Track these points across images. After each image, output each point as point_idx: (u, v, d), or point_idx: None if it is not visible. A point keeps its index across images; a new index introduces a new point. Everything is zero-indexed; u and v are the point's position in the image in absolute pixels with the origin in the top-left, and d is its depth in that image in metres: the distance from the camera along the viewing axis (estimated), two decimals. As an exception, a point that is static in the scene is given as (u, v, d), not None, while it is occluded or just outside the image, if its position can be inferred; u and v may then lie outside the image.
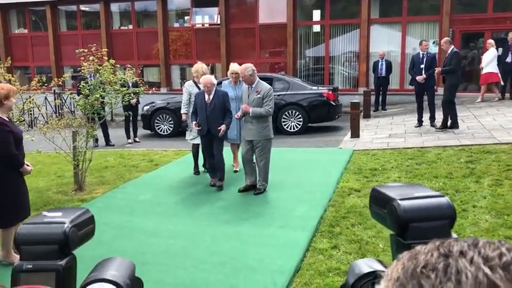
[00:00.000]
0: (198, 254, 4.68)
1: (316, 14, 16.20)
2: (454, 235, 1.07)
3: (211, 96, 6.52)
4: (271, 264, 4.38)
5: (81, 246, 1.10)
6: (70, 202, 6.44)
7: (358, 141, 9.55)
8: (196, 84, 7.30)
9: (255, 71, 6.23)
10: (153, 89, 10.48)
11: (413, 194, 1.07)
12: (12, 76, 7.87)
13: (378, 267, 1.03)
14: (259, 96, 6.17)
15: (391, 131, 10.42)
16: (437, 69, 9.93)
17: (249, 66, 6.22)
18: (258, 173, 6.44)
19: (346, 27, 15.49)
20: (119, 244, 5.01)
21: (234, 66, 7.28)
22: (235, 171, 7.50)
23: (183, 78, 17.48)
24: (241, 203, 6.15)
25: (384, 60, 13.69)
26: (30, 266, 0.93)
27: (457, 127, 9.66)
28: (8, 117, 4.54)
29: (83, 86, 6.85)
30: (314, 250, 4.67)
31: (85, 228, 1.10)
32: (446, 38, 10.20)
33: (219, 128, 6.41)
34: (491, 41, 12.54)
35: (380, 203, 1.15)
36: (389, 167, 7.37)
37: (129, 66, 10.89)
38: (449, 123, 9.72)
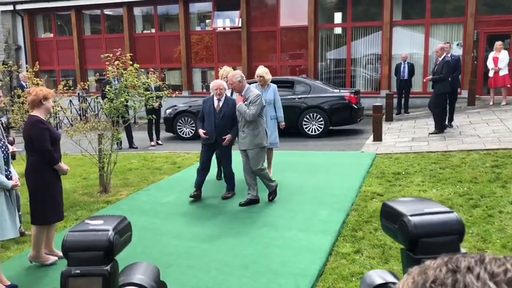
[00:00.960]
0: (221, 257, 4.72)
1: (338, 17, 16.14)
2: (463, 250, 1.10)
3: (221, 103, 6.30)
4: (294, 268, 4.39)
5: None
6: (95, 204, 6.56)
7: (381, 145, 9.48)
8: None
9: (244, 78, 6.11)
10: (176, 92, 10.59)
11: (424, 210, 1.10)
12: (40, 80, 8.08)
13: (390, 279, 1.05)
14: (246, 102, 6.00)
15: (414, 135, 10.31)
16: (427, 78, 10.27)
17: (237, 73, 6.15)
18: (262, 181, 6.24)
19: (367, 29, 15.40)
20: (144, 246, 5.08)
21: (259, 70, 7.28)
22: None
23: (204, 82, 17.63)
24: (263, 206, 6.17)
25: (406, 62, 13.55)
26: (78, 271, 0.98)
27: (443, 131, 10.01)
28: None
29: (108, 90, 6.97)
30: (337, 254, 4.66)
31: (125, 235, 1.15)
32: (440, 45, 10.26)
33: (223, 137, 6.23)
34: (500, 43, 12.32)
35: (391, 218, 1.18)
36: (412, 171, 7.30)
37: (152, 70, 11.10)
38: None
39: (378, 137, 9.81)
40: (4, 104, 6.91)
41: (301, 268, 4.38)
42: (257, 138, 6.02)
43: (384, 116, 11.57)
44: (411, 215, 1.07)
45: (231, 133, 6.25)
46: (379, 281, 1.04)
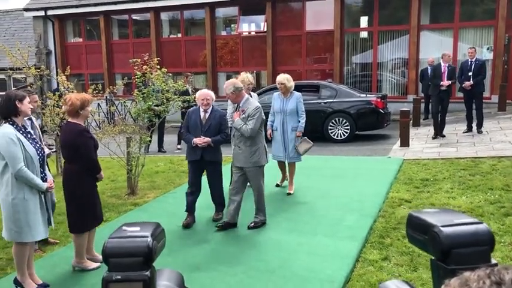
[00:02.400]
0: (247, 261, 4.73)
1: (364, 21, 16.02)
2: (494, 260, 1.09)
3: (207, 115, 5.74)
4: (320, 274, 4.37)
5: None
6: (123, 206, 6.66)
7: (408, 151, 9.35)
8: None
9: (240, 89, 5.46)
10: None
11: (453, 221, 1.10)
12: (71, 84, 8.28)
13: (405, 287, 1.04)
14: (243, 116, 5.36)
15: (442, 140, 10.14)
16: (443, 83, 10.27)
17: (230, 84, 5.51)
18: (255, 204, 5.64)
19: (394, 33, 15.23)
20: (170, 249, 5.11)
21: (279, 77, 6.83)
22: (289, 194, 6.81)
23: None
24: (288, 211, 6.15)
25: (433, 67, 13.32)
26: (119, 277, 1.00)
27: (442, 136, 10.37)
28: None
29: (137, 94, 7.08)
30: (364, 261, 4.61)
31: (161, 241, 1.17)
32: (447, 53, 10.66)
33: (203, 140, 5.59)
34: None
35: (419, 229, 1.19)
36: (441, 178, 7.17)
37: (189, 74, 11.30)
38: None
39: (405, 143, 9.68)
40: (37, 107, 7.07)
41: (327, 274, 4.34)
42: (254, 156, 5.40)
43: (411, 121, 11.40)
44: (442, 226, 1.06)
45: (213, 139, 5.61)
46: None
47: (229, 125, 5.89)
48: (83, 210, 4.49)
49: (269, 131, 6.88)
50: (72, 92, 8.23)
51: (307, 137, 6.92)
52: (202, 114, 5.78)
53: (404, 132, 9.72)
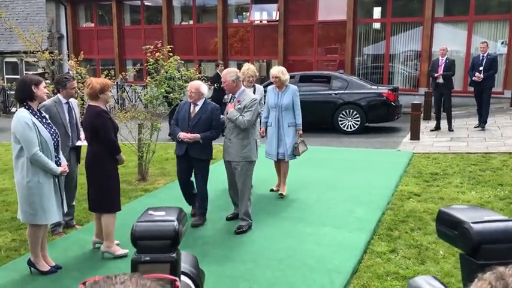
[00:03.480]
0: (256, 250, 4.78)
1: (377, 11, 15.88)
2: None
3: (197, 108, 5.36)
4: (328, 264, 4.41)
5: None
6: (134, 191, 6.74)
7: (418, 144, 9.32)
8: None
9: (240, 78, 5.28)
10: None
11: (483, 218, 1.15)
12: (83, 69, 8.32)
13: (438, 285, 1.08)
14: (239, 106, 5.09)
15: (453, 135, 10.10)
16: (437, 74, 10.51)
17: (232, 71, 5.28)
18: (239, 207, 5.35)
19: (407, 25, 15.09)
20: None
21: (273, 69, 6.37)
22: (280, 195, 6.38)
23: (240, 74, 17.70)
24: (297, 202, 6.19)
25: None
26: (148, 258, 1.05)
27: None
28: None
29: (149, 80, 7.12)
30: (372, 253, 4.65)
31: (185, 225, 1.22)
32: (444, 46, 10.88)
33: (189, 136, 5.23)
34: None
35: (450, 224, 1.24)
36: (450, 172, 7.16)
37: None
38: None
39: (415, 136, 9.65)
40: (48, 91, 7.14)
41: (335, 264, 4.39)
42: (245, 150, 5.14)
43: (422, 115, 11.34)
44: (473, 222, 1.11)
45: (202, 134, 5.22)
46: (426, 287, 1.08)
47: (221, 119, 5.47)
48: (109, 190, 4.53)
49: (262, 129, 6.37)
50: (85, 77, 8.30)
51: (304, 140, 6.47)
52: (192, 107, 5.41)
53: (415, 126, 9.69)
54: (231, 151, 5.20)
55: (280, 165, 6.42)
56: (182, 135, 5.27)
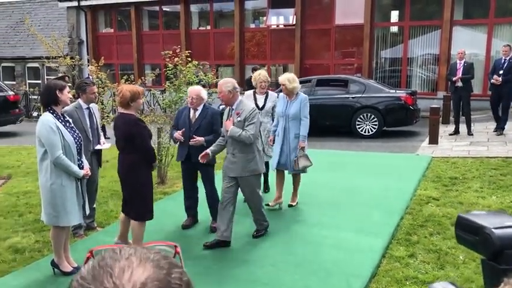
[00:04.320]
0: (274, 253, 4.81)
1: (394, 15, 15.81)
2: None
3: (197, 114, 5.32)
4: (346, 268, 4.41)
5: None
6: (153, 194, 6.79)
7: (437, 148, 9.24)
8: (254, 95, 6.31)
9: (237, 90, 4.92)
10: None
11: (504, 223, 1.17)
12: (104, 73, 8.47)
13: None
14: (239, 119, 4.82)
15: (472, 139, 9.98)
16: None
17: (229, 81, 4.94)
18: (252, 215, 5.23)
19: (425, 28, 14.98)
20: (199, 239, 5.25)
21: (281, 77, 5.99)
22: (290, 205, 6.18)
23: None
24: (315, 206, 6.19)
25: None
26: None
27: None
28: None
29: (168, 85, 7.21)
30: (390, 257, 4.63)
31: None
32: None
33: (200, 139, 5.17)
34: None
35: (470, 230, 1.25)
36: (470, 177, 7.09)
37: (206, 63, 11.44)
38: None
39: (434, 140, 9.57)
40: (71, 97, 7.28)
41: (353, 269, 4.39)
42: (251, 164, 4.89)
43: (441, 119, 11.24)
44: (494, 228, 1.12)
45: (211, 149, 5.02)
46: None
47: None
48: (143, 198, 4.51)
49: (271, 138, 6.12)
50: (105, 81, 8.44)
51: (308, 155, 5.99)
52: (191, 113, 5.36)
53: (434, 130, 9.61)
54: (236, 167, 4.88)
55: (292, 177, 6.11)
56: (178, 135, 5.24)
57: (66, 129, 4.15)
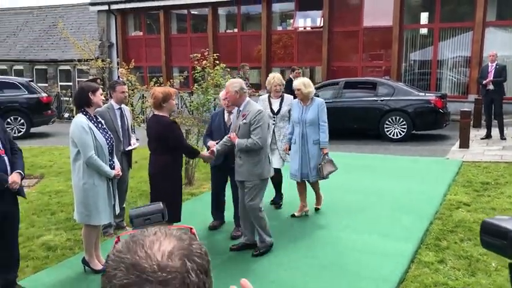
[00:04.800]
0: (299, 256, 4.79)
1: (424, 17, 15.56)
2: None
3: (232, 116, 5.16)
4: (374, 272, 4.36)
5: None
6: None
7: (468, 152, 9.04)
8: (269, 99, 6.09)
9: (245, 90, 4.72)
10: (259, 91, 10.86)
11: None
12: (134, 76, 8.62)
13: None
14: (245, 121, 4.63)
15: (505, 143, 9.73)
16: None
17: (236, 81, 4.82)
18: (252, 226, 4.93)
19: (456, 30, 14.68)
20: (228, 238, 5.28)
21: (295, 82, 5.77)
22: (317, 209, 6.05)
23: (283, 81, 17.75)
24: (342, 209, 6.14)
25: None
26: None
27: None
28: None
29: (196, 87, 7.29)
30: (419, 262, 4.56)
31: None
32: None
33: (210, 151, 4.91)
34: None
35: (497, 234, 1.26)
36: (503, 182, 6.91)
37: (247, 65, 11.59)
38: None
39: (464, 144, 9.37)
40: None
41: (381, 273, 4.33)
42: (257, 167, 4.70)
43: (472, 122, 11.00)
44: None
45: (214, 148, 4.86)
46: None
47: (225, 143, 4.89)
48: (172, 200, 4.45)
49: (286, 146, 5.91)
50: (135, 84, 8.60)
51: (333, 160, 5.75)
52: (226, 116, 5.26)
53: (465, 134, 9.41)
54: (243, 170, 4.73)
55: (311, 185, 5.89)
56: (211, 145, 5.01)
57: (99, 130, 4.24)
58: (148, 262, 0.81)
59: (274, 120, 5.98)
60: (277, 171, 6.01)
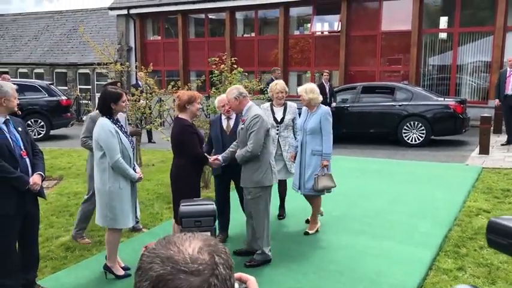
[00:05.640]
0: (316, 261, 4.76)
1: (443, 21, 15.40)
2: None
3: (231, 123, 5.04)
4: (391, 278, 4.31)
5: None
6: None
7: (488, 159, 8.90)
8: (272, 107, 5.82)
9: (244, 95, 4.58)
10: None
11: None
12: (151, 80, 8.72)
13: None
14: (242, 126, 4.54)
15: (526, 149, 9.56)
16: None
17: (234, 88, 4.69)
18: (252, 235, 4.79)
19: (476, 34, 14.50)
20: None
21: (299, 88, 5.48)
22: (306, 233, 5.49)
23: (300, 85, 17.73)
24: (359, 215, 6.09)
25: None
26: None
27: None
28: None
29: (214, 91, 7.33)
30: (438, 269, 4.49)
31: None
32: None
33: (212, 159, 4.74)
34: None
35: (504, 234, 1.27)
36: (524, 189, 6.78)
37: (278, 69, 11.68)
38: None
39: (484, 150, 9.23)
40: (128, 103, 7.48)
41: (398, 279, 4.29)
42: (256, 174, 4.53)
43: (492, 128, 10.82)
44: None
45: (220, 156, 4.77)
46: None
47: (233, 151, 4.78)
48: None
49: (292, 154, 5.67)
50: (153, 87, 8.68)
51: (332, 175, 5.32)
52: (224, 123, 5.09)
53: (485, 139, 9.27)
54: (243, 176, 4.63)
55: (307, 199, 5.52)
56: (212, 160, 4.73)
57: (122, 133, 4.26)
58: (181, 255, 0.90)
59: (278, 130, 5.72)
60: (283, 183, 5.89)
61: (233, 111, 4.96)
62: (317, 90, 5.35)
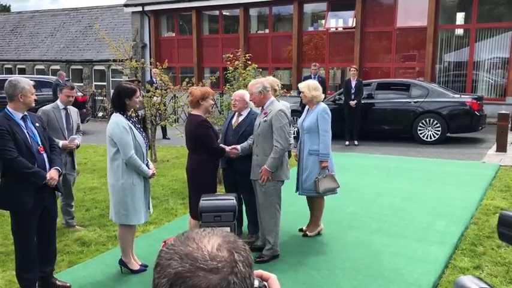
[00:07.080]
0: (332, 258, 4.75)
1: (460, 17, 15.20)
2: None
3: (240, 119, 5.04)
4: (406, 276, 4.28)
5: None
6: (211, 195, 6.94)
7: (505, 156, 8.78)
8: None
9: (268, 89, 4.60)
10: (290, 92, 10.84)
11: None
12: (166, 76, 8.75)
13: (483, 285, 1.09)
14: (265, 119, 4.52)
15: (545, 147, 9.40)
16: None
17: (258, 81, 4.69)
18: (260, 230, 4.83)
19: (494, 30, 14.28)
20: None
21: (300, 84, 5.36)
22: (304, 235, 5.34)
23: (314, 82, 17.65)
24: (375, 212, 6.05)
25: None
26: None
27: None
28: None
29: (228, 87, 7.33)
30: (454, 268, 4.45)
31: None
32: None
33: (230, 148, 4.79)
34: None
35: None
36: (543, 187, 6.67)
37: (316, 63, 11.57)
38: None
39: (502, 148, 9.10)
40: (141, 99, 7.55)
41: (414, 277, 4.25)
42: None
43: (510, 125, 10.66)
44: None
45: (239, 146, 4.82)
46: (472, 286, 1.08)
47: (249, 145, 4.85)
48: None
49: (294, 152, 5.49)
50: (167, 84, 8.72)
51: (334, 175, 5.10)
52: (234, 118, 5.12)
53: (502, 137, 9.14)
54: (258, 169, 4.57)
55: (307, 201, 5.35)
56: (233, 150, 4.83)
57: (136, 130, 4.28)
58: (200, 252, 0.88)
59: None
60: None
61: (252, 104, 4.94)
62: (320, 87, 5.16)
